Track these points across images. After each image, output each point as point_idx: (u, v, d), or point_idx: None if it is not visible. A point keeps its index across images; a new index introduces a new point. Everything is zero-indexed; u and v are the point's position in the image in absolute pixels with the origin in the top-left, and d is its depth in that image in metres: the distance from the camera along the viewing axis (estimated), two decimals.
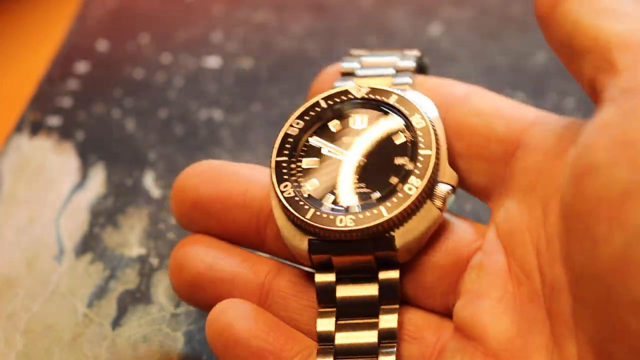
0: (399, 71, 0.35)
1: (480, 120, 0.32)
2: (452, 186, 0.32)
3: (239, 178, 0.34)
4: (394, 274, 0.31)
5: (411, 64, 0.36)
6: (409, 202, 0.31)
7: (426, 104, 0.34)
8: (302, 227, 0.32)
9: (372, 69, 0.36)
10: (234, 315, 0.32)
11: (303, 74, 0.51)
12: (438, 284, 0.32)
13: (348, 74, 0.36)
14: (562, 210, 0.27)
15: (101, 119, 0.48)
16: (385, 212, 0.31)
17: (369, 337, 0.31)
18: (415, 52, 0.36)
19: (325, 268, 0.32)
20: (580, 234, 0.26)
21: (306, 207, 0.32)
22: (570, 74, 0.30)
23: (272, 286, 0.33)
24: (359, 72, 0.36)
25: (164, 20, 0.55)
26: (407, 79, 0.35)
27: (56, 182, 0.44)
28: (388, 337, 0.31)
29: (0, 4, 0.57)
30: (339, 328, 0.31)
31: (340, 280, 0.32)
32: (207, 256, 0.34)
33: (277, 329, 0.32)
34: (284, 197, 0.32)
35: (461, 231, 0.32)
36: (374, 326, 0.31)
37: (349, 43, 0.53)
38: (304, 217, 0.31)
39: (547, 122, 0.32)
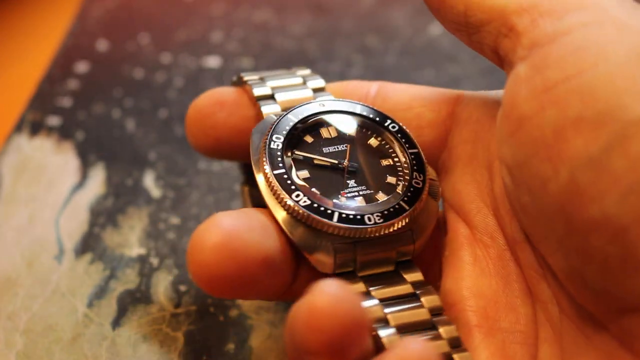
0: (316, 89, 0.36)
1: (408, 113, 0.34)
2: (436, 180, 0.34)
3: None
4: (418, 275, 0.32)
5: (321, 82, 0.36)
6: (422, 194, 0.32)
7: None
8: (327, 232, 0.31)
9: (288, 90, 0.36)
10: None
11: None
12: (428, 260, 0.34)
13: (265, 98, 0.35)
14: (505, 166, 0.29)
15: (101, 119, 0.48)
16: (406, 206, 0.32)
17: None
18: (308, 71, 0.37)
19: (348, 276, 0.32)
20: (527, 180, 0.27)
21: (329, 211, 0.31)
22: (472, 49, 0.32)
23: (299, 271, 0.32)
24: (278, 95, 0.35)
25: (164, 20, 0.55)
26: (328, 95, 0.36)
27: (56, 182, 0.44)
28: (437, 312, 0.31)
29: (0, 4, 0.57)
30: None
31: (373, 286, 0.31)
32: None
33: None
34: (303, 206, 0.31)
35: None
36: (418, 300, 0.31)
37: (349, 43, 0.53)
38: (331, 221, 0.31)
39: (472, 97, 0.34)
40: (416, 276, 0.32)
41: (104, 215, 0.42)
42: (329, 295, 0.25)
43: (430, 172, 0.34)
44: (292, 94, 0.36)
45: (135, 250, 0.40)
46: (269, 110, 0.35)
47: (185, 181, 0.44)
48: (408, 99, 0.35)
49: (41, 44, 0.55)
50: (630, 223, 0.24)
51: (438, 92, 0.35)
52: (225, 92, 0.36)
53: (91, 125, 0.47)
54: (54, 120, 0.48)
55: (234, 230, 0.29)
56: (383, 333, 0.29)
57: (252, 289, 0.30)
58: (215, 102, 0.35)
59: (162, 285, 0.39)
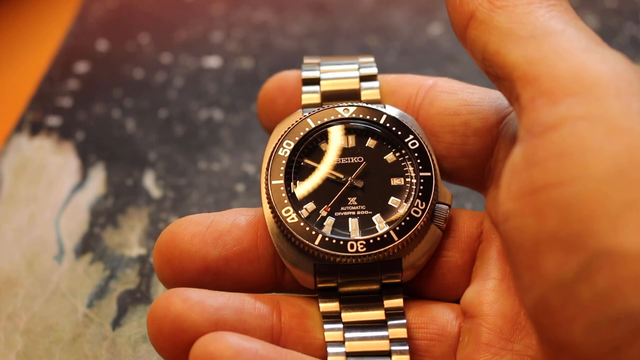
0: (364, 77, 0.35)
1: (455, 119, 0.33)
2: (449, 205, 0.33)
3: (244, 232, 0.32)
4: (398, 302, 0.32)
5: (372, 70, 0.35)
6: (417, 225, 0.31)
7: (407, 118, 0.34)
8: (309, 252, 0.31)
9: (335, 73, 0.35)
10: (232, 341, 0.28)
11: None
12: (459, 281, 0.33)
13: (312, 81, 0.35)
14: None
15: (101, 119, 0.48)
16: (395, 237, 0.31)
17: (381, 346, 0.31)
18: (371, 59, 0.36)
19: (328, 292, 0.32)
20: (514, 272, 0.27)
21: (313, 232, 0.31)
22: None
23: (282, 327, 0.31)
24: (324, 76, 0.35)
25: (164, 20, 0.55)
26: (375, 83, 0.35)
27: (56, 182, 0.44)
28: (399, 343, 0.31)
29: (0, 4, 0.57)
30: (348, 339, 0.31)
31: (346, 308, 0.31)
32: (208, 315, 0.30)
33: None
34: (289, 223, 0.31)
35: (468, 226, 0.33)
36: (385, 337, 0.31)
37: (349, 43, 0.53)
38: (312, 243, 0.31)
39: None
40: (396, 302, 0.31)
41: (104, 216, 0.42)
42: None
43: (445, 195, 0.33)
44: (336, 82, 0.35)
45: (136, 250, 0.40)
46: (307, 99, 0.34)
47: (185, 181, 0.44)
48: (456, 105, 0.33)
49: (41, 44, 0.55)
50: (594, 356, 0.24)
51: (489, 99, 0.33)
52: (289, 77, 0.36)
53: (91, 125, 0.47)
54: (54, 120, 0.48)
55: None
56: (331, 350, 0.30)
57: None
58: (278, 86, 0.36)
59: (162, 285, 0.39)
